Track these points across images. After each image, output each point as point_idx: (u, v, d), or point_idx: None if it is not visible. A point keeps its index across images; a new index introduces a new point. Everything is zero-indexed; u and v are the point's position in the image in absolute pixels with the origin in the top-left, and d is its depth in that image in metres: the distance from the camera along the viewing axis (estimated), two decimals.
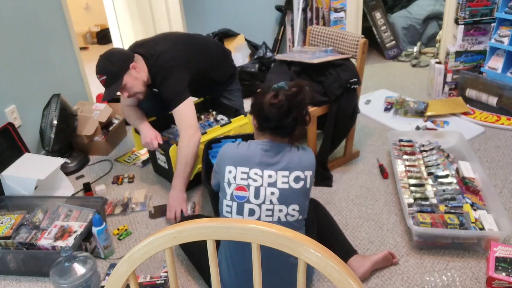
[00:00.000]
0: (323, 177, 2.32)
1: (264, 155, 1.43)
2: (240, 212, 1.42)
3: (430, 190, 2.05)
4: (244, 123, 2.33)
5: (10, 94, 2.48)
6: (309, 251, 0.70)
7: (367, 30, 4.00)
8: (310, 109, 2.17)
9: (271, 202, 1.40)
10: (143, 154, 2.73)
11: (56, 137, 2.48)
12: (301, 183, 1.42)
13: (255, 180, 1.41)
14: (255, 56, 3.58)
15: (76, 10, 5.01)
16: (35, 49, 2.68)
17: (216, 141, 2.17)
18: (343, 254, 1.68)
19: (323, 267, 0.70)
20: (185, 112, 2.07)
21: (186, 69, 2.13)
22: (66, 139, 2.60)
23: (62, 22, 2.93)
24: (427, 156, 2.32)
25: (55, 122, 2.47)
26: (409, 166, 2.25)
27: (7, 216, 1.98)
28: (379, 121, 2.95)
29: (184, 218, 2.01)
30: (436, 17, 4.18)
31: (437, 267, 1.73)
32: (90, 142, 2.73)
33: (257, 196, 1.41)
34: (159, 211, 2.17)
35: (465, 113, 2.91)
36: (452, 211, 1.88)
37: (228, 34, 3.76)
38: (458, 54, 3.08)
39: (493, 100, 2.86)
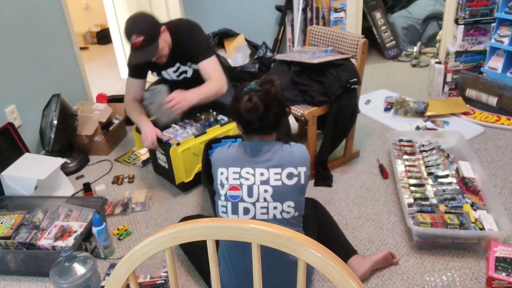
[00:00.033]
0: (323, 177, 2.32)
1: (255, 154, 1.44)
2: (235, 211, 1.43)
3: (430, 190, 2.05)
4: None
5: (10, 94, 2.48)
6: (309, 251, 0.70)
7: (367, 30, 4.00)
8: (310, 109, 2.19)
9: (265, 200, 1.41)
10: (143, 154, 2.73)
11: (56, 137, 2.48)
12: (295, 179, 1.43)
13: (247, 179, 1.42)
14: (255, 56, 3.57)
15: (76, 10, 5.02)
16: (35, 49, 2.68)
17: (216, 141, 2.17)
18: (343, 254, 1.68)
19: (323, 267, 0.69)
20: (216, 64, 2.22)
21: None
22: (66, 139, 2.60)
23: (62, 22, 2.94)
24: (427, 156, 2.32)
25: (55, 122, 2.47)
26: (409, 166, 2.25)
27: (7, 216, 1.98)
28: (379, 121, 2.95)
29: (184, 218, 2.01)
30: (436, 17, 4.18)
31: (437, 267, 1.73)
32: (90, 142, 2.73)
33: (250, 194, 1.41)
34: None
35: (465, 113, 2.91)
36: (452, 211, 1.88)
37: (228, 34, 3.76)
38: (458, 54, 3.08)
39: (493, 100, 2.86)
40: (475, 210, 1.90)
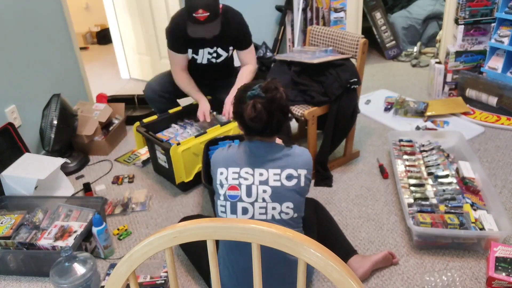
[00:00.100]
0: (323, 177, 2.32)
1: (255, 154, 1.45)
2: (233, 211, 1.44)
3: (430, 190, 2.05)
4: None
5: (10, 94, 2.48)
6: (309, 251, 0.70)
7: (367, 30, 4.00)
8: (310, 109, 2.19)
9: (263, 200, 1.41)
10: (143, 154, 2.73)
11: (56, 137, 2.48)
12: (294, 181, 1.43)
13: (246, 179, 1.42)
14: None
15: (76, 10, 5.01)
16: (35, 49, 2.68)
17: (216, 140, 2.17)
18: (343, 254, 1.68)
19: (323, 267, 0.69)
20: (254, 53, 2.53)
21: None
22: (66, 139, 2.60)
23: (62, 22, 2.94)
24: (427, 156, 2.32)
25: (55, 122, 2.47)
26: (409, 166, 2.25)
27: (7, 216, 1.98)
28: (379, 121, 2.95)
29: (184, 218, 2.01)
30: (436, 17, 4.18)
31: (437, 267, 1.73)
32: (90, 142, 2.73)
33: (249, 194, 1.42)
34: None
35: (465, 113, 2.91)
36: (452, 211, 1.88)
37: None
38: (458, 54, 3.08)
39: (493, 100, 2.86)
40: (475, 210, 1.90)
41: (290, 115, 1.47)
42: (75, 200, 2.15)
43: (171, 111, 2.52)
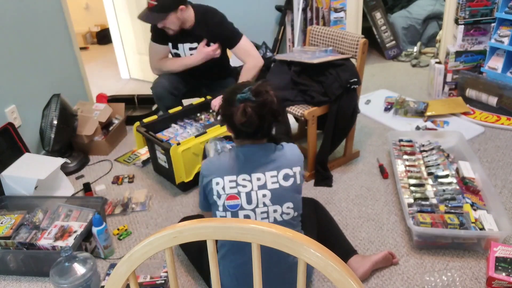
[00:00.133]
0: (323, 177, 2.32)
1: (249, 159, 1.42)
2: None
3: (430, 190, 2.05)
4: None
5: (10, 94, 2.48)
6: (309, 251, 0.70)
7: (367, 30, 4.00)
8: (310, 109, 2.19)
9: (264, 205, 1.40)
10: (143, 154, 2.73)
11: (56, 137, 2.48)
12: (291, 180, 1.42)
13: (244, 186, 1.40)
14: None
15: (76, 10, 5.01)
16: (35, 49, 2.68)
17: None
18: (343, 254, 1.68)
19: (323, 267, 0.69)
20: (248, 44, 2.48)
21: None
22: (66, 139, 2.60)
23: (62, 22, 2.94)
24: (427, 156, 2.32)
25: (55, 122, 2.47)
26: (409, 166, 2.25)
27: (7, 216, 1.98)
28: (379, 121, 2.95)
29: (184, 218, 2.01)
30: (436, 17, 4.18)
31: (437, 267, 1.73)
32: (90, 142, 2.73)
33: (249, 201, 1.40)
34: None
35: (465, 113, 2.91)
36: (452, 211, 1.88)
37: None
38: (458, 54, 3.08)
39: (493, 100, 2.86)
40: (475, 210, 1.90)
41: (283, 117, 1.45)
42: (75, 200, 2.15)
43: (171, 111, 2.52)
